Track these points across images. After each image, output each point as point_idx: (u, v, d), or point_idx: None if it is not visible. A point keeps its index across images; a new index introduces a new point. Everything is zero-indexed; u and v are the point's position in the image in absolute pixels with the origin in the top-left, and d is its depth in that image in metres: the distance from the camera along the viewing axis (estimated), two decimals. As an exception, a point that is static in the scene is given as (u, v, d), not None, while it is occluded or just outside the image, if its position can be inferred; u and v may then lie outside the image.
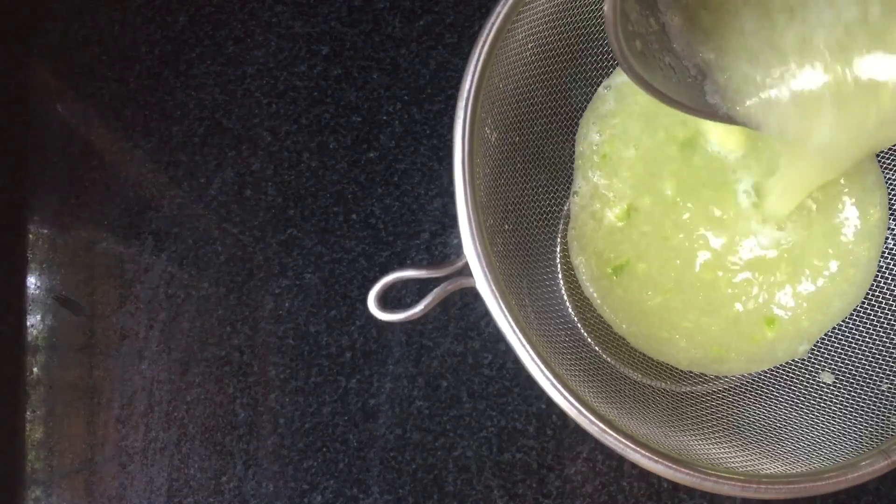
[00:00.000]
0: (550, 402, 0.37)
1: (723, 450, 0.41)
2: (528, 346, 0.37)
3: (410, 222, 0.51)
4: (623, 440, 0.36)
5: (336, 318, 0.51)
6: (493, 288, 0.38)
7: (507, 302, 0.38)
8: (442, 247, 0.51)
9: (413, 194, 0.52)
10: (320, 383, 0.51)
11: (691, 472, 0.36)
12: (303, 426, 0.50)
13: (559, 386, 0.37)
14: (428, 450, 0.49)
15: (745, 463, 0.40)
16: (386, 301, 0.39)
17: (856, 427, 0.41)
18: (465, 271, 0.38)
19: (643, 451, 0.36)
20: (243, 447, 0.51)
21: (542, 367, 0.37)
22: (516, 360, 0.38)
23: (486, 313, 0.41)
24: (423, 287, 0.50)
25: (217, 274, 0.52)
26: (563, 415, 0.44)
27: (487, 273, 0.38)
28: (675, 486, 0.49)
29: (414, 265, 0.45)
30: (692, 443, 0.41)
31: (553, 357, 0.39)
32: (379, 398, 0.50)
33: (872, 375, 0.43)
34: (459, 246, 0.38)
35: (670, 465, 0.36)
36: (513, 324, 0.37)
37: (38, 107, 0.55)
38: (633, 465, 0.46)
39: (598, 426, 0.37)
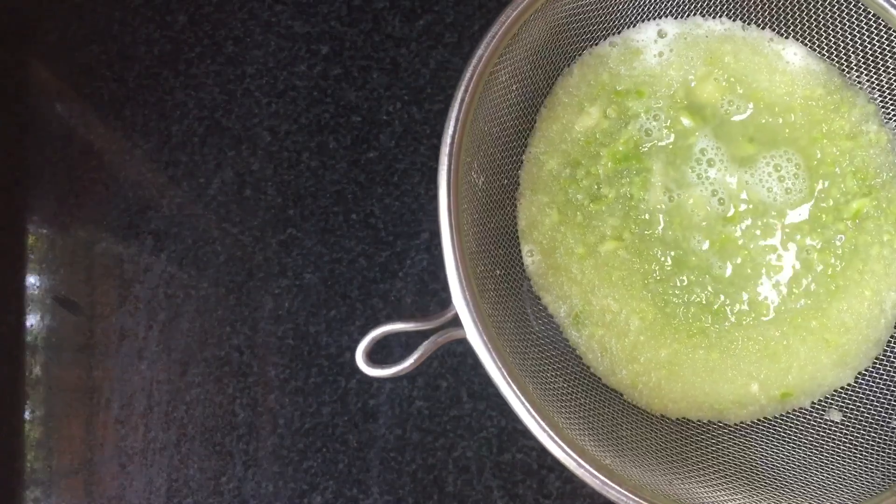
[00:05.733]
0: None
1: (729, 495, 0.40)
2: (523, 399, 0.36)
3: (410, 222, 0.51)
4: (626, 493, 0.36)
5: (336, 318, 0.51)
6: (485, 338, 0.37)
7: (499, 353, 0.37)
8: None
9: (413, 194, 0.52)
10: (320, 383, 0.50)
11: None
12: (302, 426, 0.50)
13: (558, 439, 0.36)
14: (428, 450, 0.49)
15: (752, 509, 0.38)
16: (373, 353, 0.38)
17: (866, 467, 0.40)
18: (456, 321, 0.37)
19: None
20: (243, 447, 0.50)
21: (540, 419, 0.36)
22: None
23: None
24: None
25: (216, 274, 0.52)
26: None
27: (478, 323, 0.37)
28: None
29: (402, 317, 0.43)
30: (698, 489, 0.40)
31: (550, 406, 0.38)
32: (379, 398, 0.50)
33: (881, 412, 0.42)
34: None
35: None
36: (507, 376, 0.36)
37: (38, 107, 0.54)
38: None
39: (599, 479, 0.36)
